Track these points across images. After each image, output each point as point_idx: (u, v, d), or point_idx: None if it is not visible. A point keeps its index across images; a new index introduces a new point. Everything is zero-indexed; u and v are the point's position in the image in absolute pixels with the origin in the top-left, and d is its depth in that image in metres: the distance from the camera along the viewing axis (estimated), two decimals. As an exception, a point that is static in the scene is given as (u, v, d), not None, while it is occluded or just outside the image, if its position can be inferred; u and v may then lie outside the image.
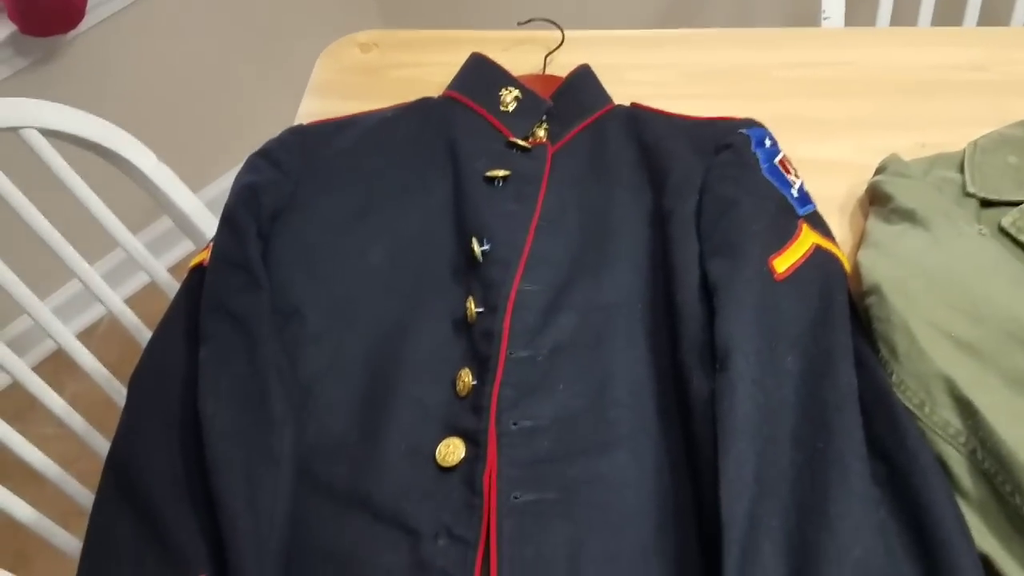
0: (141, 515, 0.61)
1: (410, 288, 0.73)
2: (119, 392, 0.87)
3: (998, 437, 0.53)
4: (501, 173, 0.77)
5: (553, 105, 0.84)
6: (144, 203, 0.96)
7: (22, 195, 0.80)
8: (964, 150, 0.75)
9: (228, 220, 0.73)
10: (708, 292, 0.65)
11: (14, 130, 0.78)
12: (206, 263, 0.72)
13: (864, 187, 0.79)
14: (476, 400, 0.65)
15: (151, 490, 0.62)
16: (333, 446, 0.65)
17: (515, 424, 0.64)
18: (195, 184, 0.95)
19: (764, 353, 0.60)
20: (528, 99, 0.84)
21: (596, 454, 0.62)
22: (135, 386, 0.69)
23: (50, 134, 0.81)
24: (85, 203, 0.85)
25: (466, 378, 0.66)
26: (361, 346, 0.70)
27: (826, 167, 0.79)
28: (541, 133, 0.82)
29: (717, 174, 0.72)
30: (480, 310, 0.69)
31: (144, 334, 0.89)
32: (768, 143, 0.74)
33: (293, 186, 0.78)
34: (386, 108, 0.86)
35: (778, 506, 0.55)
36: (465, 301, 0.71)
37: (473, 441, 0.63)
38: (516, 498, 0.61)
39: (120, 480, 0.64)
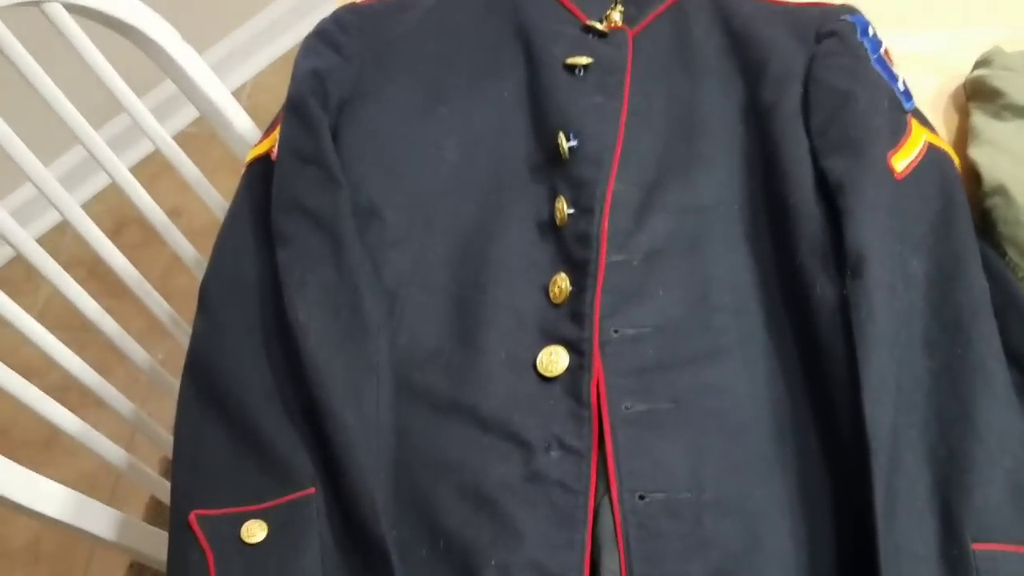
0: (235, 427, 0.58)
1: (487, 186, 0.69)
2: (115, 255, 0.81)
3: None
4: (583, 61, 0.71)
5: None
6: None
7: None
8: (1062, 43, 0.72)
9: (296, 109, 0.67)
10: (825, 192, 0.61)
11: (36, 3, 0.69)
12: (271, 155, 0.66)
13: (954, 82, 0.76)
14: (575, 307, 0.61)
15: (243, 401, 0.58)
16: (428, 355, 0.62)
17: (616, 332, 0.61)
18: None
19: (895, 257, 0.58)
20: (601, -22, 0.77)
21: (705, 363, 0.60)
22: (209, 291, 0.64)
23: (74, 9, 0.72)
24: (103, 78, 0.77)
25: (562, 284, 0.62)
26: (442, 249, 0.66)
27: (911, 61, 0.75)
28: (616, 16, 0.76)
29: (825, 64, 0.67)
30: (571, 211, 0.65)
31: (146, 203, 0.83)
32: (871, 32, 0.70)
33: (357, 71, 0.72)
34: (446, -12, 0.79)
35: (916, 416, 0.54)
36: (550, 201, 0.66)
37: (576, 350, 0.60)
38: (627, 408, 0.58)
39: (205, 389, 0.60)
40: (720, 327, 0.61)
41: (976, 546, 0.49)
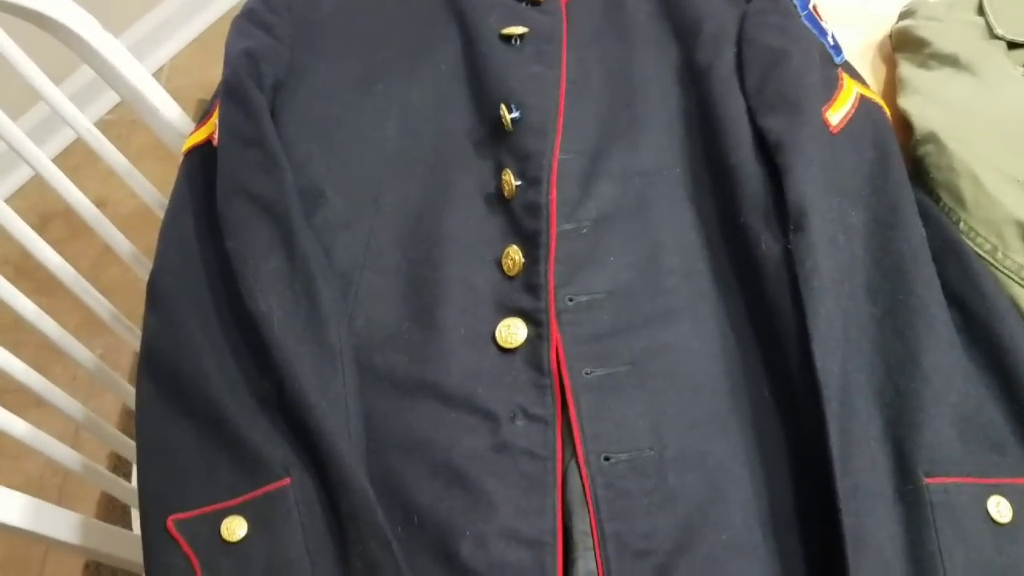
0: (201, 422, 0.57)
1: (432, 162, 0.68)
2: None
3: (1076, 277, 0.55)
4: (519, 31, 0.71)
5: None
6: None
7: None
8: (980, -9, 0.75)
9: (233, 92, 0.65)
10: (764, 150, 0.63)
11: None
12: (212, 141, 0.65)
13: (879, 33, 0.78)
14: (529, 278, 0.62)
15: (207, 394, 0.57)
16: (387, 336, 0.62)
17: (571, 300, 0.62)
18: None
19: (834, 210, 0.59)
20: (531, -53, 0.77)
21: (658, 324, 0.61)
22: (158, 285, 0.62)
23: (-12, 3, 0.69)
24: (20, 68, 0.74)
25: (515, 256, 0.63)
26: (392, 228, 0.66)
27: (837, 15, 0.76)
28: (548, -16, 0.76)
29: (756, 23, 0.68)
30: (519, 183, 0.65)
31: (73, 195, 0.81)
32: (799, -12, 0.71)
33: (289, 52, 0.70)
34: (374, -39, 0.78)
35: (863, 361, 0.56)
36: (496, 174, 0.66)
37: (533, 321, 0.61)
38: (588, 374, 0.59)
39: (165, 386, 0.58)
40: (671, 288, 0.62)
41: (929, 480, 0.51)
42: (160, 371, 0.59)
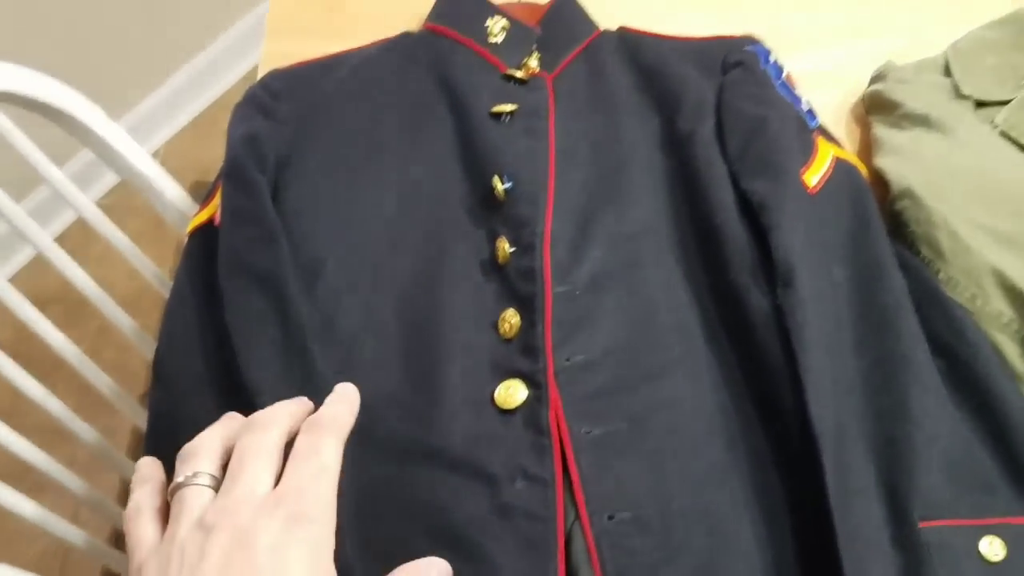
0: None
1: (427, 234, 0.71)
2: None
3: (1052, 322, 0.57)
4: (508, 108, 0.74)
5: (541, 33, 0.81)
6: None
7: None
8: (945, 54, 0.78)
9: (234, 174, 0.68)
10: (747, 212, 0.65)
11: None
12: (213, 221, 0.67)
13: (851, 96, 0.81)
14: (526, 341, 0.64)
15: None
16: (386, 403, 0.63)
17: (568, 360, 0.63)
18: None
19: (820, 266, 0.62)
20: (516, 28, 0.81)
21: (654, 381, 0.63)
22: (163, 363, 0.64)
23: (-4, 96, 0.72)
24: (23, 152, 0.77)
25: (511, 319, 0.65)
26: (391, 298, 0.67)
27: (810, 80, 0.80)
28: (534, 63, 0.79)
29: (734, 92, 0.72)
30: (513, 249, 0.67)
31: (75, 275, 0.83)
32: (772, 59, 0.75)
33: (291, 134, 0.73)
34: (367, 46, 0.82)
35: (855, 411, 0.58)
36: (490, 242, 0.69)
37: (532, 382, 0.62)
38: (587, 433, 0.60)
39: (168, 465, 0.59)
40: (664, 345, 0.64)
41: (923, 524, 0.52)
42: (163, 447, 0.60)
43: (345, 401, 0.51)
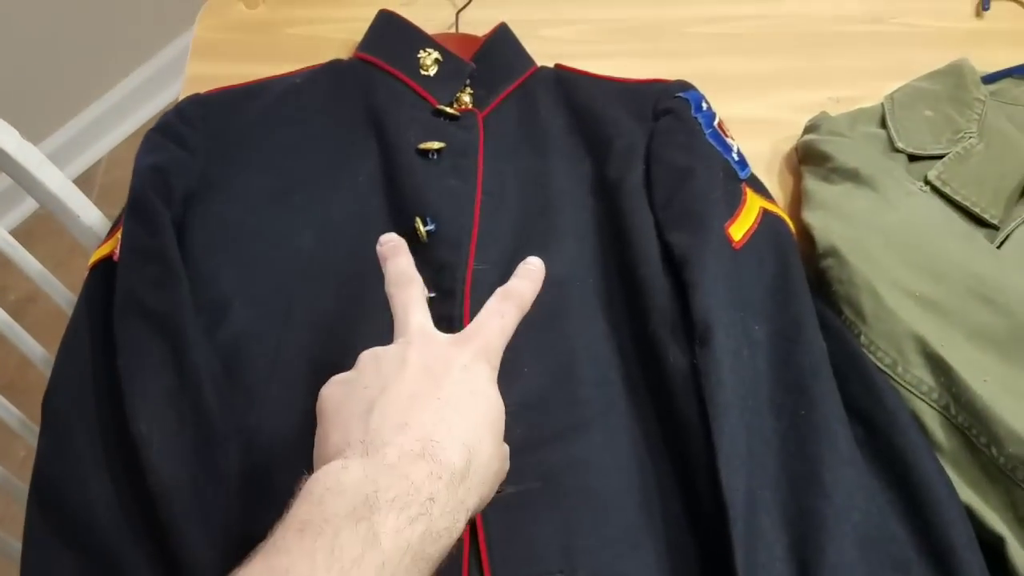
0: (83, 554, 0.55)
1: (347, 273, 0.68)
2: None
3: (973, 392, 0.56)
4: (436, 146, 0.72)
5: (475, 68, 0.79)
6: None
7: None
8: (882, 105, 0.78)
9: (136, 208, 0.65)
10: (671, 263, 0.64)
11: None
12: (113, 256, 0.64)
13: (787, 144, 0.80)
14: None
15: (90, 521, 0.55)
16: (290, 453, 0.60)
17: None
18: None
19: (738, 325, 0.60)
20: (450, 62, 0.79)
21: (570, 437, 0.61)
22: (50, 409, 0.60)
23: None
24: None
25: None
26: (302, 342, 0.65)
27: (746, 126, 0.79)
28: (466, 99, 0.77)
29: (663, 141, 0.70)
30: (433, 295, 0.65)
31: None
32: (704, 106, 0.73)
33: (202, 164, 0.70)
34: (293, 72, 0.79)
35: (768, 478, 0.56)
36: None
37: None
38: (499, 492, 0.58)
39: (52, 515, 0.56)
40: (583, 399, 0.62)
41: None
42: (47, 499, 0.57)
43: (530, 277, 0.56)
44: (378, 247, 0.56)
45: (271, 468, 0.59)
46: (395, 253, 0.57)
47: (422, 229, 0.67)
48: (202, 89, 0.76)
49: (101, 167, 1.81)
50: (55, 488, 0.57)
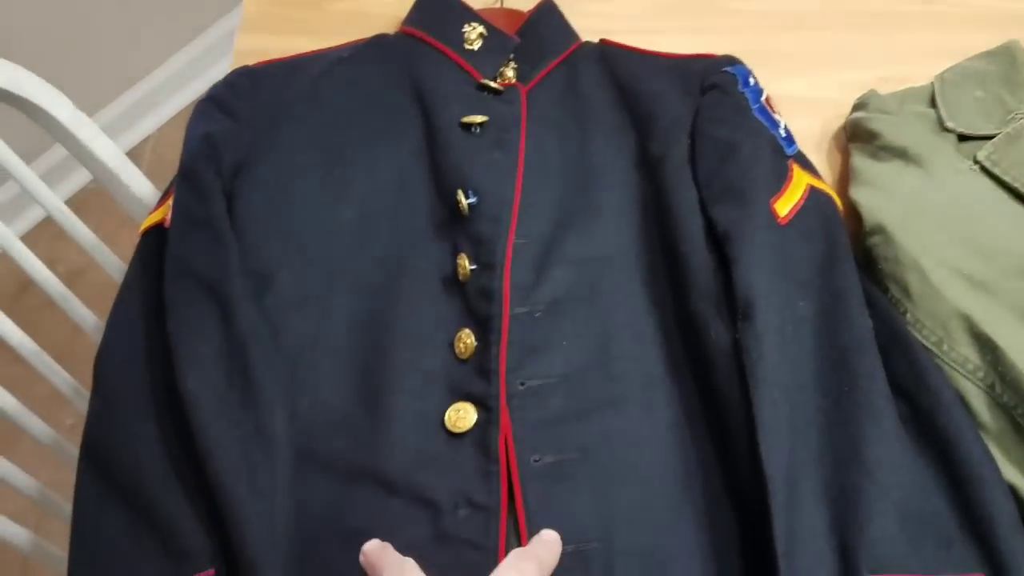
0: (132, 508, 0.56)
1: (388, 245, 0.69)
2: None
3: (1019, 371, 0.55)
4: (479, 119, 0.72)
5: (519, 42, 0.79)
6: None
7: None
8: (932, 84, 0.76)
9: (188, 175, 0.66)
10: (714, 240, 0.64)
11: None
12: (164, 223, 0.66)
13: (836, 123, 0.79)
14: (481, 362, 0.62)
15: (140, 480, 0.57)
16: (332, 420, 0.61)
17: (522, 384, 0.61)
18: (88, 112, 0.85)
19: (783, 300, 0.60)
20: (494, 36, 0.79)
21: (609, 410, 0.61)
22: (102, 369, 0.62)
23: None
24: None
25: (467, 340, 0.63)
26: (345, 310, 0.66)
27: (794, 104, 0.78)
28: (510, 73, 0.77)
29: (709, 116, 0.70)
30: (473, 267, 0.65)
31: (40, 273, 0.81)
32: (752, 81, 0.73)
33: (251, 135, 0.71)
34: (340, 47, 0.80)
35: (811, 454, 0.56)
36: (452, 257, 0.67)
37: (484, 406, 0.60)
38: (536, 461, 0.59)
39: (102, 472, 0.58)
40: (622, 374, 0.62)
41: None
42: (98, 456, 0.58)
43: (548, 548, 0.53)
44: (361, 558, 0.52)
45: (315, 432, 0.61)
46: (382, 553, 0.52)
47: (464, 202, 0.67)
48: (250, 63, 0.78)
49: (149, 145, 1.84)
50: (105, 447, 0.59)
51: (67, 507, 0.83)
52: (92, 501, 0.57)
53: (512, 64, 0.78)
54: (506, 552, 0.55)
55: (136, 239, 0.69)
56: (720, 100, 0.70)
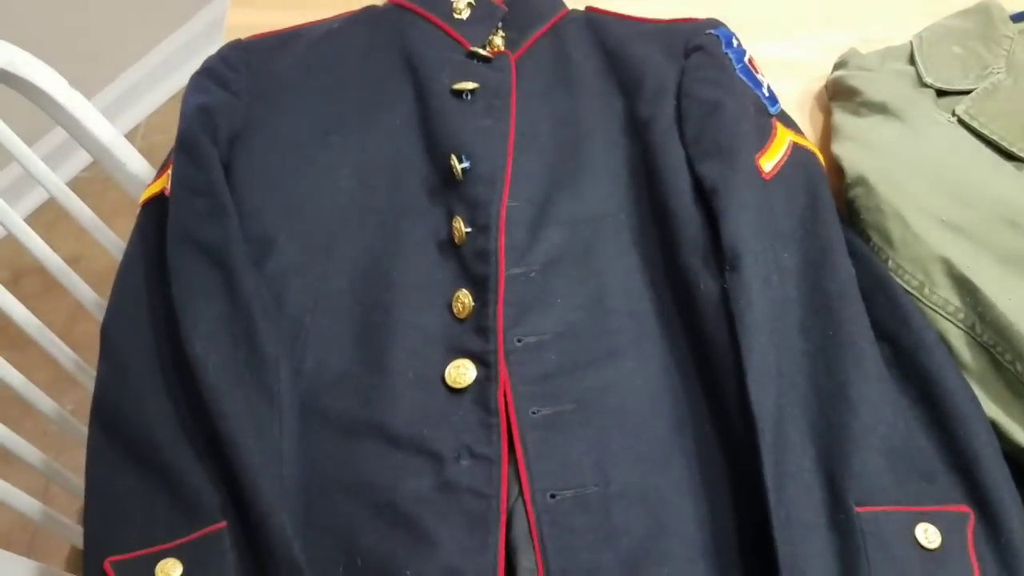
0: (144, 466, 0.58)
1: (384, 211, 0.71)
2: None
3: (998, 311, 0.57)
4: (469, 86, 0.74)
5: (507, 11, 0.81)
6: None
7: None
8: (911, 43, 0.78)
9: (186, 145, 0.68)
10: (702, 196, 0.65)
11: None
12: (165, 192, 0.67)
13: (817, 84, 0.81)
14: (479, 321, 0.64)
15: (151, 440, 0.58)
16: (336, 379, 0.63)
17: (519, 341, 0.63)
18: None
19: (768, 251, 0.62)
20: (482, 5, 0.80)
21: (603, 364, 0.63)
22: (110, 334, 0.64)
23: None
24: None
25: (465, 300, 0.65)
26: (345, 275, 0.68)
27: (776, 66, 0.80)
28: (498, 41, 0.79)
29: (694, 76, 0.71)
30: (469, 230, 0.67)
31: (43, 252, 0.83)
32: (736, 43, 0.74)
33: (246, 107, 0.73)
34: (330, 18, 0.81)
35: (797, 395, 0.58)
36: (447, 221, 0.69)
37: (482, 362, 0.62)
38: (534, 413, 0.61)
39: (112, 432, 0.59)
40: (616, 329, 0.64)
41: (859, 509, 0.53)
42: (108, 418, 0.60)
43: None
44: None
45: (321, 390, 0.62)
46: None
47: (457, 167, 0.69)
48: (242, 35, 0.79)
49: (139, 132, 1.85)
50: (115, 409, 0.60)
51: (74, 479, 0.85)
52: (105, 461, 0.59)
53: (500, 33, 0.80)
54: (508, 499, 0.57)
55: (129, 225, 0.70)
56: (705, 61, 0.72)
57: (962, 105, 0.71)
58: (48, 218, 1.66)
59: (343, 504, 0.58)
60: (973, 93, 0.72)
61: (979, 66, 0.74)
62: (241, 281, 0.62)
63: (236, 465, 0.55)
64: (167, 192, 0.67)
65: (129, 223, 0.78)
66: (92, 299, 0.89)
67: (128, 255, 0.67)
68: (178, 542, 0.55)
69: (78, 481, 0.86)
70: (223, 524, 0.55)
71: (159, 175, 0.71)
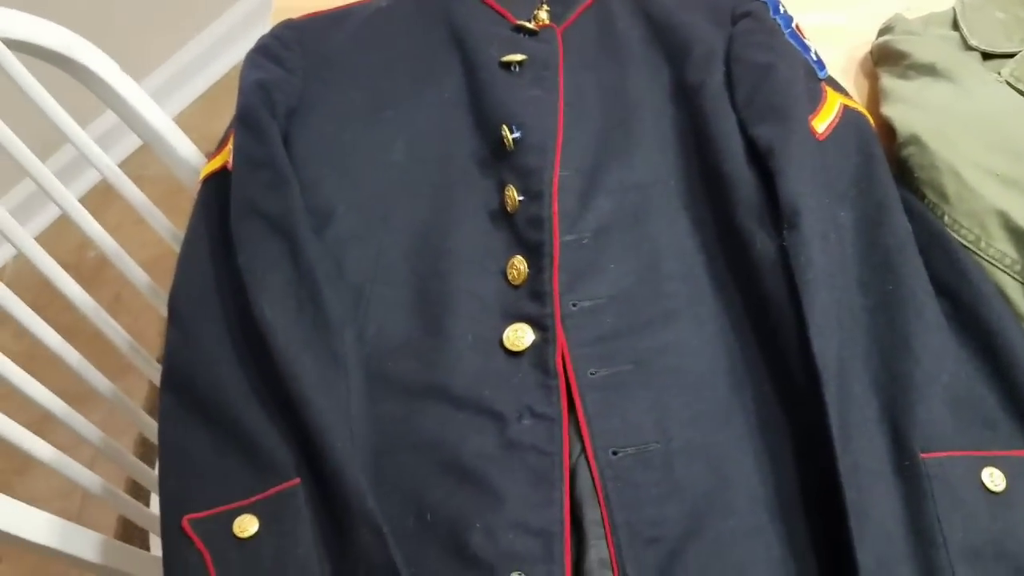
0: (216, 427, 0.59)
1: (437, 182, 0.72)
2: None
3: (1056, 262, 0.58)
4: (518, 58, 0.75)
5: None
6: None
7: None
8: (953, 9, 0.78)
9: (246, 119, 0.69)
10: (755, 158, 0.66)
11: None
12: (226, 166, 0.69)
13: (861, 51, 0.82)
14: (535, 286, 0.65)
15: (222, 402, 0.60)
16: (398, 344, 0.64)
17: (575, 305, 0.64)
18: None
19: (825, 209, 0.62)
20: (527, -21, 0.81)
21: (659, 325, 0.64)
22: (178, 303, 0.65)
23: (12, 45, 0.73)
24: (47, 111, 0.78)
25: (520, 266, 0.66)
26: (401, 244, 0.69)
27: (821, 34, 0.80)
28: (544, 15, 0.80)
29: (744, 42, 0.72)
30: (522, 198, 0.68)
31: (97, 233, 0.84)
32: (782, 9, 0.75)
33: (300, 83, 0.74)
34: (377, -2, 0.83)
35: (859, 349, 0.58)
36: (498, 190, 0.70)
37: (540, 326, 0.63)
38: (592, 374, 0.62)
39: (184, 397, 0.61)
40: (670, 292, 0.65)
41: (924, 455, 0.53)
42: (179, 383, 0.61)
43: None
44: None
45: (383, 356, 0.64)
46: None
47: (509, 137, 0.70)
48: (289, 16, 0.80)
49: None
50: (186, 373, 0.62)
51: (125, 453, 0.86)
52: (179, 424, 0.60)
53: (545, 6, 0.80)
54: (570, 456, 0.58)
55: (173, 211, 0.70)
56: (754, 26, 0.73)
57: (1007, 68, 0.72)
58: (90, 207, 1.69)
59: (410, 462, 0.59)
60: (1018, 56, 0.72)
61: (1022, 30, 0.74)
62: (305, 249, 0.64)
63: (309, 424, 0.56)
64: (228, 166, 0.68)
65: (173, 209, 0.80)
66: (144, 281, 0.91)
67: (191, 228, 0.69)
68: (254, 499, 0.56)
69: (127, 454, 0.87)
70: (297, 481, 0.56)
71: (218, 151, 0.72)
